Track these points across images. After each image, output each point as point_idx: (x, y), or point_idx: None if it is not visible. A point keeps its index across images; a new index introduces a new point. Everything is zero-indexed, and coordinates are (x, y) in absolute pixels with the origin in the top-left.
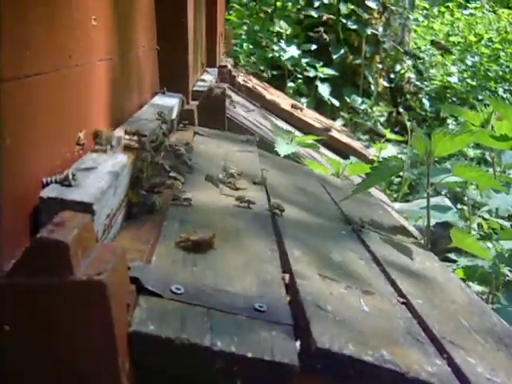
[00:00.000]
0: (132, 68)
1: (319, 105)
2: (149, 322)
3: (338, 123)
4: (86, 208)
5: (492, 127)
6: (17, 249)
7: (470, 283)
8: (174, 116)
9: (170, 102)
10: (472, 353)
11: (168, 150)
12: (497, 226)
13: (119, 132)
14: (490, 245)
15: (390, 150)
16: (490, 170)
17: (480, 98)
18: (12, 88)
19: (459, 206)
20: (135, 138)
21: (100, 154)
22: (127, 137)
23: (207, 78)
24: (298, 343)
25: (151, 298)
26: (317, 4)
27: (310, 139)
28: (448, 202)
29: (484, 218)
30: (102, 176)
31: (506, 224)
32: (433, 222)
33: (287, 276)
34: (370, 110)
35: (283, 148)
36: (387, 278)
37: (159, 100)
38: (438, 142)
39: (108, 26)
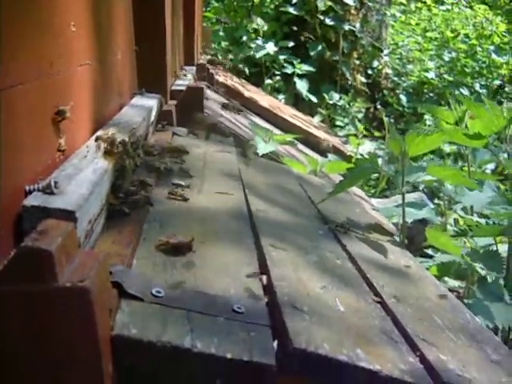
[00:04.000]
0: (111, 70)
1: (297, 101)
2: (131, 326)
3: (316, 119)
4: (68, 215)
5: (466, 125)
6: (1, 257)
7: (447, 278)
8: (152, 117)
9: (149, 103)
10: (444, 350)
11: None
12: (472, 223)
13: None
14: (465, 240)
15: (367, 146)
16: (466, 166)
17: (457, 93)
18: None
19: (436, 200)
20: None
21: (80, 159)
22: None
23: (185, 76)
24: (275, 343)
25: (133, 302)
26: (294, 0)
27: (288, 137)
28: (425, 198)
29: (460, 216)
30: (83, 182)
31: (481, 220)
32: (409, 219)
33: (265, 277)
34: (347, 106)
35: (262, 147)
36: (362, 276)
37: (138, 101)
38: (411, 142)
39: (87, 31)
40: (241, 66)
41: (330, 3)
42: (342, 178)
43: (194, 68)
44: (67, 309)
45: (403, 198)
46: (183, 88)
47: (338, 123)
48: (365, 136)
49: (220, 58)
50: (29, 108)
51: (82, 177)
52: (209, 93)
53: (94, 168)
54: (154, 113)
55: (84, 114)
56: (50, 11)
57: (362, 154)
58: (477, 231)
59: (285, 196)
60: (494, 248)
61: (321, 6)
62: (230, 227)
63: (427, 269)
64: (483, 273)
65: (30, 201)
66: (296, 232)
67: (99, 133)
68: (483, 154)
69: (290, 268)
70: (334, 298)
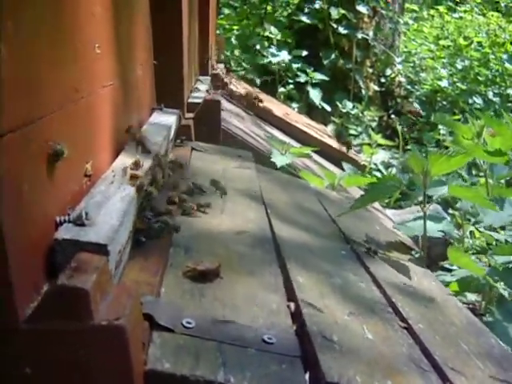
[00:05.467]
0: (132, 88)
1: (310, 110)
2: (164, 360)
3: (330, 128)
4: (100, 249)
5: (484, 140)
6: (34, 291)
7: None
8: (172, 134)
9: (169, 120)
10: (472, 379)
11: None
12: (491, 239)
13: (123, 158)
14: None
15: (381, 155)
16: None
17: (470, 101)
18: (26, 135)
19: (451, 210)
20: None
21: (107, 185)
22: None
23: (201, 88)
24: (307, 376)
25: (164, 334)
26: (307, 9)
27: (304, 150)
28: (440, 210)
29: (478, 230)
30: (112, 212)
31: (500, 237)
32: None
33: (292, 304)
34: (360, 115)
35: (279, 159)
36: (387, 301)
37: (158, 118)
38: (434, 162)
39: (110, 51)
40: (254, 74)
41: (343, 11)
42: (360, 191)
43: (209, 78)
44: (103, 346)
45: (424, 218)
46: (200, 101)
47: (351, 132)
48: (378, 145)
49: (233, 65)
50: (57, 138)
51: (111, 205)
52: (224, 103)
53: (121, 195)
54: (173, 129)
55: (107, 136)
56: (75, 35)
57: (375, 164)
58: (497, 250)
59: (306, 215)
60: None
61: (334, 14)
62: (254, 250)
63: (447, 285)
64: (504, 292)
65: (62, 234)
66: (319, 254)
67: (125, 161)
68: (501, 168)
69: (316, 293)
70: (362, 325)
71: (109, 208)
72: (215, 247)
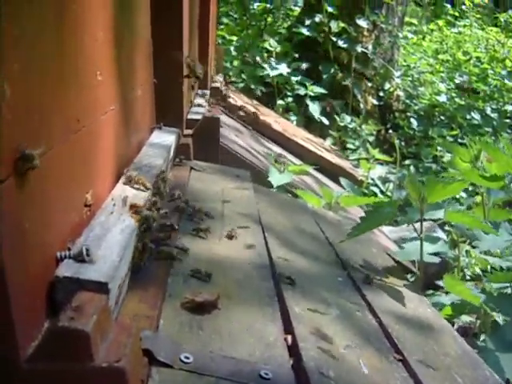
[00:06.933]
0: (132, 109)
1: (309, 123)
2: None
3: (328, 142)
4: (101, 288)
5: (481, 163)
6: (35, 330)
7: None
8: (171, 154)
9: (168, 140)
10: None
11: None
12: (486, 264)
13: (123, 185)
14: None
15: (378, 170)
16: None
17: (468, 117)
18: (26, 175)
19: (447, 227)
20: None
21: (107, 216)
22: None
23: (200, 103)
24: None
25: (163, 370)
26: (308, 22)
27: (302, 168)
28: (437, 228)
29: (476, 256)
30: (112, 246)
31: (495, 260)
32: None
33: (289, 337)
34: (358, 129)
35: (276, 179)
36: (383, 330)
37: (157, 138)
38: (431, 188)
39: (111, 76)
40: (253, 86)
41: (343, 25)
42: (357, 209)
43: (208, 92)
44: None
45: (421, 244)
46: (199, 117)
47: (349, 146)
48: (376, 160)
49: (232, 76)
50: (58, 172)
51: (111, 238)
52: (223, 118)
53: (121, 228)
54: (172, 149)
55: (108, 162)
56: (78, 65)
57: (373, 179)
58: (492, 278)
59: (303, 238)
60: (509, 291)
61: (334, 27)
62: (252, 278)
63: (441, 309)
64: (498, 319)
65: (63, 271)
66: (316, 281)
67: (125, 187)
68: (498, 192)
69: (313, 324)
70: (358, 359)
71: (109, 241)
72: (213, 275)
